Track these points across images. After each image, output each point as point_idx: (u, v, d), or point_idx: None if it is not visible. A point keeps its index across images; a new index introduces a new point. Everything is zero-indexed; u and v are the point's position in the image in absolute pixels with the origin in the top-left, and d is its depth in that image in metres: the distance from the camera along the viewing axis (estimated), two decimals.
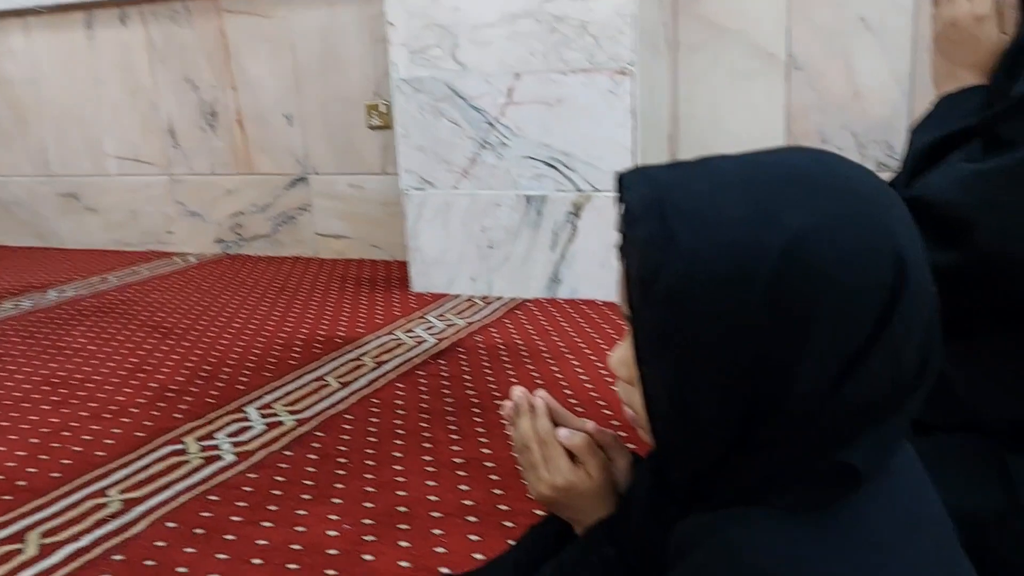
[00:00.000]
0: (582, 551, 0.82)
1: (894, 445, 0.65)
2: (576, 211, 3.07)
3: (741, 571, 0.61)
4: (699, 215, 0.60)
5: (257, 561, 1.53)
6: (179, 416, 2.24)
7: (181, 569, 1.51)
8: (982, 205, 1.07)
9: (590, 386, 2.29)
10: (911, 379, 0.62)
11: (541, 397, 0.89)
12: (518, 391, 0.90)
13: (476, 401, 2.23)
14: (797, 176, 0.61)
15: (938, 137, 1.21)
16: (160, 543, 1.59)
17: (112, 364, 2.70)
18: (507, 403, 0.90)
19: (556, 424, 0.88)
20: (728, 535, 0.62)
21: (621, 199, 0.65)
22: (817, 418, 0.60)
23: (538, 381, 2.34)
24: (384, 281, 3.65)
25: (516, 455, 0.90)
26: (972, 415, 1.20)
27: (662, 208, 0.61)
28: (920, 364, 0.62)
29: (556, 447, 0.86)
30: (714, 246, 0.59)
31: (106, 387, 2.49)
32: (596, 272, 3.07)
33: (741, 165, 0.63)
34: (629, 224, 0.63)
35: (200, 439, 2.08)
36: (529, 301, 3.15)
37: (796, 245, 0.58)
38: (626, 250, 0.65)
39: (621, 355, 0.72)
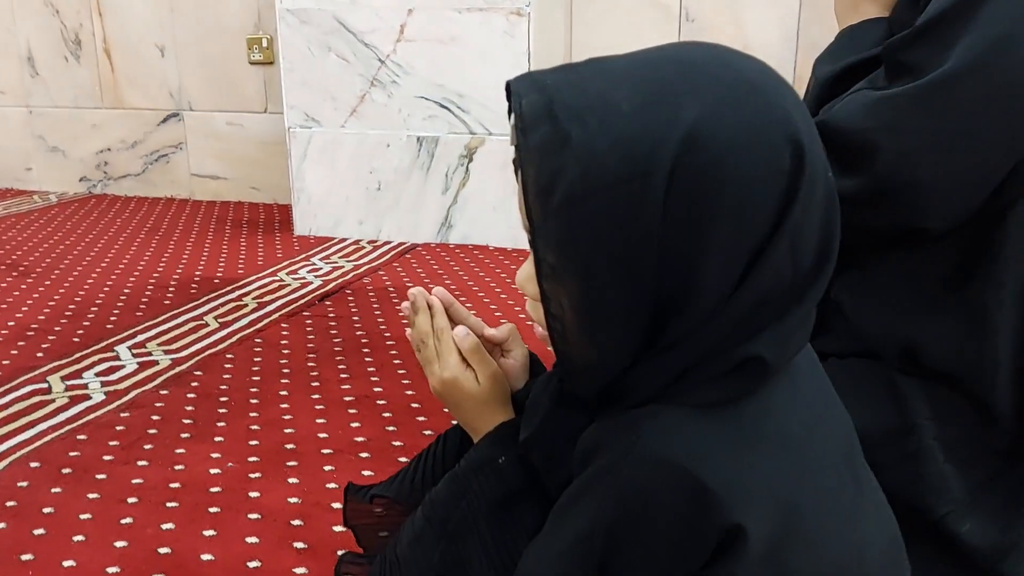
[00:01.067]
0: (478, 459, 0.79)
1: (797, 340, 0.64)
2: (469, 154, 3.01)
3: (652, 466, 0.59)
4: (592, 113, 0.57)
5: (132, 500, 1.43)
6: (41, 355, 2.08)
7: (47, 509, 1.40)
8: (886, 129, 1.08)
9: None
10: (812, 268, 0.61)
11: (438, 295, 0.86)
12: (415, 289, 0.86)
13: (366, 341, 2.17)
14: (688, 68, 0.59)
15: (841, 66, 1.23)
16: (23, 483, 1.47)
17: None
18: (405, 303, 0.86)
19: (455, 323, 0.86)
20: (638, 433, 0.60)
21: (511, 108, 0.62)
22: (722, 314, 0.59)
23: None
24: (265, 223, 3.50)
25: (414, 347, 0.86)
26: (864, 342, 1.24)
27: (552, 110, 0.58)
28: (820, 252, 0.61)
29: (448, 342, 0.83)
30: (610, 144, 0.56)
31: None
32: (489, 217, 3.03)
33: (631, 62, 0.61)
34: (522, 132, 0.60)
35: (65, 378, 1.94)
36: (420, 245, 3.09)
37: (692, 136, 0.56)
38: (521, 161, 0.61)
39: (527, 271, 0.69)
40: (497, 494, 0.76)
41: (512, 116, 0.62)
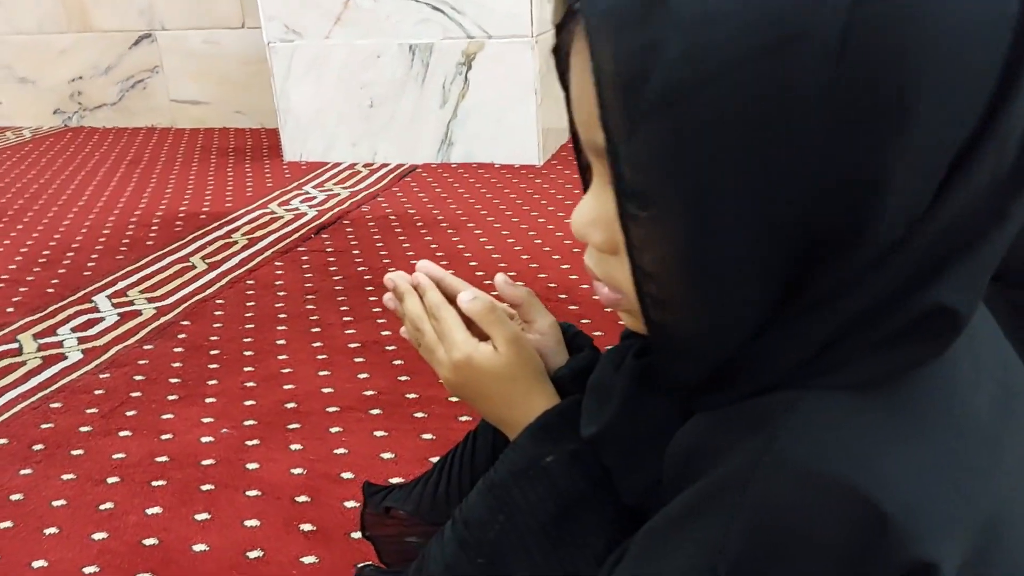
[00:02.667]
0: (518, 459, 0.60)
1: (989, 273, 0.43)
2: (467, 61, 2.74)
3: (798, 480, 0.40)
4: None
5: (113, 480, 1.25)
6: (11, 310, 1.89)
7: (15, 496, 1.22)
8: None
9: (497, 256, 2.05)
10: (1014, 172, 0.40)
11: (423, 269, 0.67)
12: (391, 275, 0.68)
13: (369, 279, 1.96)
14: None
15: None
16: None
17: None
18: (386, 295, 0.68)
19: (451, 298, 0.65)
20: (773, 431, 0.41)
21: None
22: (905, 248, 0.39)
23: (438, 254, 2.08)
24: (252, 151, 3.26)
25: (413, 343, 0.68)
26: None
27: None
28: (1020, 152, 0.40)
29: (448, 319, 0.64)
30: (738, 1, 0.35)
31: None
32: (493, 131, 2.78)
33: None
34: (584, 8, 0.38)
35: (38, 335, 1.75)
36: (420, 166, 2.85)
37: None
38: (580, 45, 0.41)
39: (590, 213, 0.47)
40: (547, 505, 0.58)
41: None
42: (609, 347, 0.60)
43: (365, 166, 2.91)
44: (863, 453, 0.40)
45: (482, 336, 0.64)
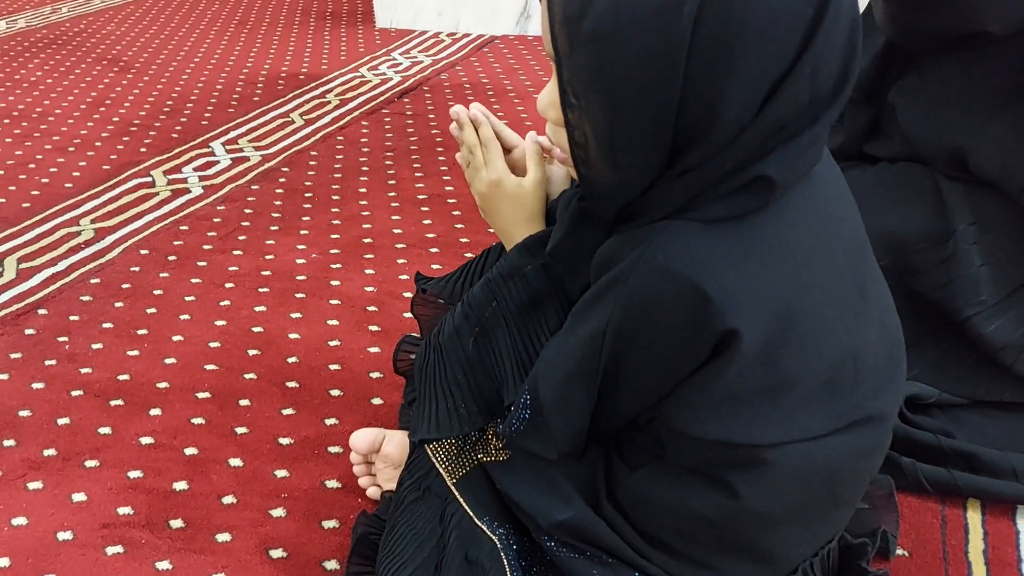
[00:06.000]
0: (508, 266, 0.86)
1: (809, 158, 0.68)
2: None
3: (658, 275, 0.66)
4: None
5: (229, 285, 1.61)
6: (144, 151, 2.25)
7: (157, 291, 1.59)
8: None
9: None
10: (829, 92, 0.64)
11: (477, 108, 0.91)
12: (456, 108, 0.91)
13: (440, 140, 2.25)
14: None
15: None
16: (135, 268, 1.67)
17: (72, 98, 2.65)
18: (452, 124, 0.92)
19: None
20: (648, 245, 0.66)
21: None
22: (739, 140, 0.63)
23: (504, 121, 2.34)
24: (348, 15, 3.52)
25: (463, 165, 0.93)
26: (915, 147, 1.25)
27: None
28: (839, 77, 0.64)
29: (495, 149, 0.89)
30: None
31: (68, 121, 2.46)
32: None
33: None
34: None
35: (167, 172, 2.10)
36: (498, 38, 3.07)
37: None
38: None
39: (549, 97, 0.72)
40: (523, 297, 0.85)
41: None
42: (566, 189, 0.88)
43: (449, 35, 3.14)
44: (702, 258, 0.65)
45: (515, 170, 0.90)
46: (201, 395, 1.30)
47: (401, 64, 2.86)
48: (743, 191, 0.65)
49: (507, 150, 0.92)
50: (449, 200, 1.92)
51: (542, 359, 0.79)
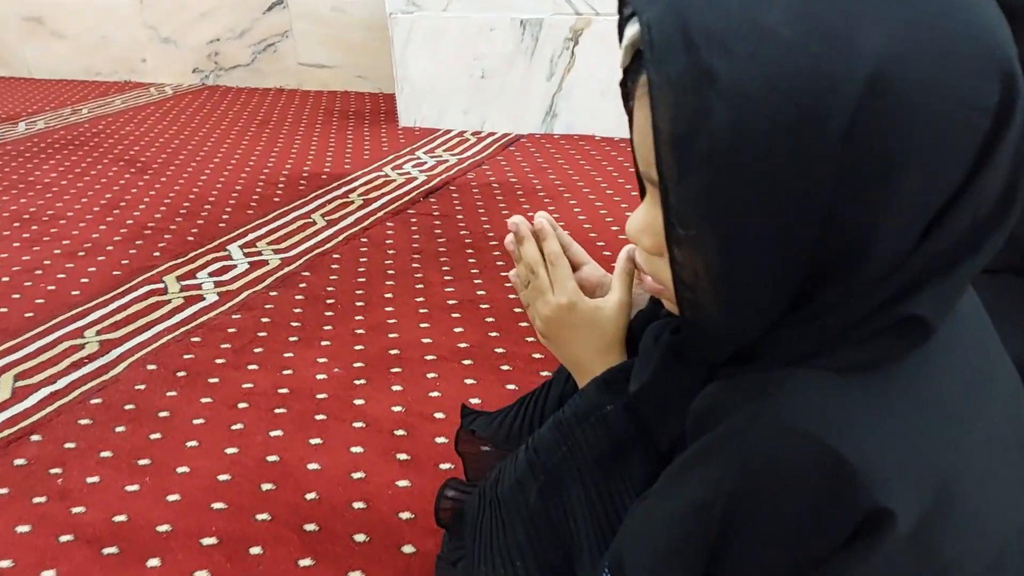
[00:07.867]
0: (584, 405, 0.73)
1: (961, 291, 0.54)
2: (575, 37, 2.86)
3: (783, 435, 0.51)
4: (741, 41, 0.45)
5: (243, 405, 1.46)
6: (158, 255, 2.14)
7: (163, 413, 1.44)
8: None
9: (588, 226, 2.18)
10: (992, 212, 0.50)
11: (543, 218, 0.78)
12: (514, 218, 0.78)
13: (469, 241, 2.13)
14: None
15: None
16: (140, 386, 1.53)
17: (85, 200, 2.57)
18: (508, 237, 0.79)
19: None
20: (769, 399, 0.52)
21: (624, 25, 0.52)
22: (891, 277, 0.50)
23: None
24: (371, 114, 3.47)
25: (519, 285, 0.79)
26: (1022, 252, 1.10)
27: (690, 36, 0.46)
28: (1005, 191, 0.50)
29: (564, 267, 0.76)
30: (767, 83, 0.45)
31: (80, 224, 2.37)
32: (595, 104, 2.90)
33: None
34: (652, 63, 0.48)
35: (180, 278, 1.99)
36: (524, 137, 2.99)
37: (879, 73, 0.44)
38: (642, 94, 0.51)
39: (643, 222, 0.59)
40: (603, 443, 0.71)
41: (627, 35, 0.52)
42: (655, 322, 0.74)
43: (474, 134, 3.07)
44: (837, 418, 0.51)
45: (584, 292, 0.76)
46: (207, 541, 1.13)
47: (426, 163, 2.78)
48: (887, 333, 0.51)
49: (575, 267, 0.79)
50: (482, 305, 1.79)
51: (628, 529, 0.63)
